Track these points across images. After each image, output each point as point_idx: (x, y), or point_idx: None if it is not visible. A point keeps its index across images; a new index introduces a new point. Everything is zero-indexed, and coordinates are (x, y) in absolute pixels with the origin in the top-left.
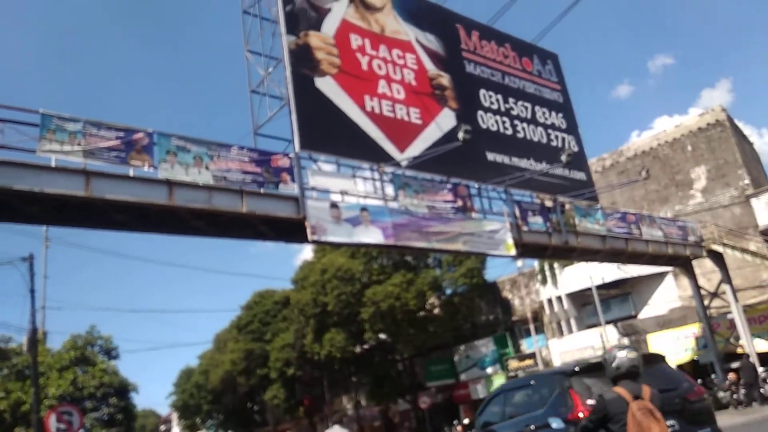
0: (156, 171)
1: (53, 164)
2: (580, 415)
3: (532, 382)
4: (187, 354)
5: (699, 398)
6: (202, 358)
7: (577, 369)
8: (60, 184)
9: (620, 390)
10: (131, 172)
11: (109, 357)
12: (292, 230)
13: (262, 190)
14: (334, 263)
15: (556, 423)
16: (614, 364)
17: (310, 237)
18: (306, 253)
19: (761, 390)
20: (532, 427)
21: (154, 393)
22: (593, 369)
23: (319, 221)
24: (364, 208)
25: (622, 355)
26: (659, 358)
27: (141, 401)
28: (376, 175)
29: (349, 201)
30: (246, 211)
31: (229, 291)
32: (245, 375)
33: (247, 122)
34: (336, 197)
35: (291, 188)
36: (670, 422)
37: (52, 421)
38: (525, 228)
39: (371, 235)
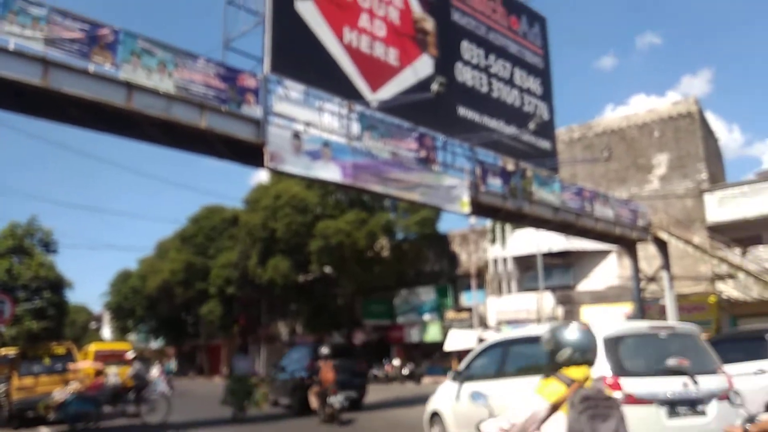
0: (117, 71)
1: (11, 47)
2: None
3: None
4: (127, 258)
5: None
6: (141, 263)
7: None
8: (16, 69)
9: None
10: (91, 68)
11: (48, 250)
12: (249, 153)
13: (223, 108)
14: (288, 191)
15: None
16: None
17: (266, 163)
18: (261, 175)
19: None
20: None
21: (88, 290)
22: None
23: (278, 149)
24: (326, 143)
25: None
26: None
27: (74, 297)
28: (344, 112)
29: (313, 133)
30: (204, 127)
31: (178, 202)
32: (183, 286)
33: (216, 35)
34: (299, 127)
35: (254, 110)
36: None
37: None
38: (483, 188)
39: (330, 172)
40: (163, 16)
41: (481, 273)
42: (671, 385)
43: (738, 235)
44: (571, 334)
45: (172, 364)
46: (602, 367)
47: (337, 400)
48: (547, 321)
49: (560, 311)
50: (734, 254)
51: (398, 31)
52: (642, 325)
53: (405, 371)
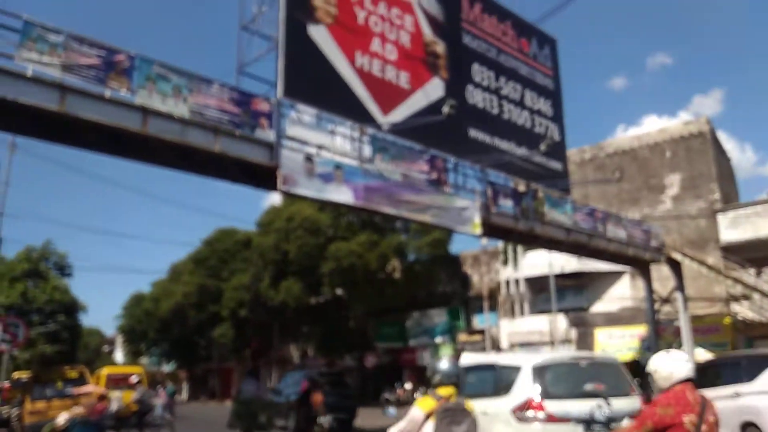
0: (133, 96)
1: (29, 74)
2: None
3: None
4: (141, 281)
5: None
6: (155, 286)
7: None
8: (34, 96)
9: None
10: (108, 94)
11: (62, 274)
12: (262, 176)
13: (237, 132)
14: (301, 213)
15: None
16: None
17: (279, 186)
18: (274, 198)
19: None
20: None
21: (101, 313)
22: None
23: (291, 172)
24: (338, 166)
25: None
26: None
27: (88, 320)
28: (356, 135)
29: (325, 156)
30: (218, 150)
31: (192, 225)
32: (196, 309)
33: (230, 61)
34: (312, 150)
35: (267, 134)
36: None
37: None
38: (494, 209)
39: (342, 194)
40: (178, 41)
41: (493, 294)
42: (586, 407)
43: (752, 255)
44: (442, 364)
45: (172, 387)
46: (530, 390)
47: (326, 420)
48: (561, 343)
49: (573, 333)
50: (749, 275)
51: (409, 55)
52: (565, 355)
53: (417, 395)
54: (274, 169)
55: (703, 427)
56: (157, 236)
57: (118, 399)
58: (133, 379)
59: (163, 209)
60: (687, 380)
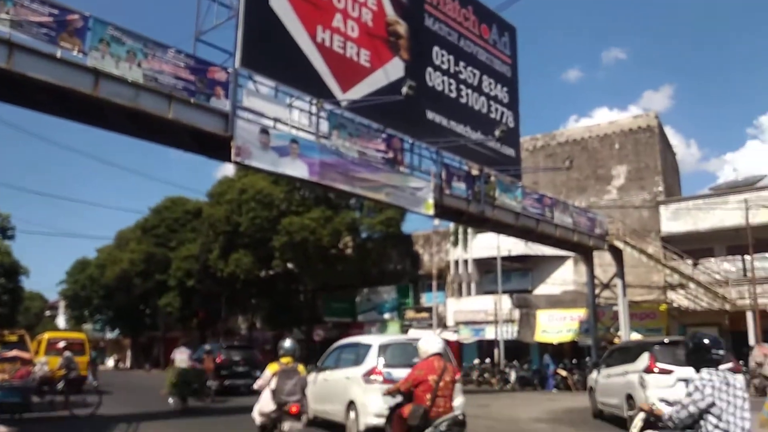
0: (85, 58)
1: None
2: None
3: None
4: (85, 247)
5: None
6: (100, 252)
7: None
8: None
9: None
10: (59, 54)
11: (4, 236)
12: (216, 146)
13: (192, 100)
14: (254, 185)
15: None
16: None
17: (233, 157)
18: (227, 169)
19: None
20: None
21: (44, 278)
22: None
23: (245, 143)
24: (294, 140)
25: None
26: None
27: (30, 284)
28: (314, 110)
29: (281, 129)
30: (172, 118)
31: (140, 192)
32: (143, 277)
33: (188, 28)
34: (268, 123)
35: (223, 104)
36: None
37: None
38: (447, 191)
39: (296, 169)
40: (134, 4)
41: (442, 274)
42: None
43: (690, 246)
44: (285, 343)
45: (94, 353)
46: (375, 362)
47: (213, 384)
48: (504, 323)
49: (517, 314)
50: (686, 265)
51: (371, 33)
52: (402, 338)
53: None
54: (229, 140)
55: (441, 384)
56: (104, 201)
57: (43, 364)
58: (60, 344)
59: (110, 174)
60: (436, 354)
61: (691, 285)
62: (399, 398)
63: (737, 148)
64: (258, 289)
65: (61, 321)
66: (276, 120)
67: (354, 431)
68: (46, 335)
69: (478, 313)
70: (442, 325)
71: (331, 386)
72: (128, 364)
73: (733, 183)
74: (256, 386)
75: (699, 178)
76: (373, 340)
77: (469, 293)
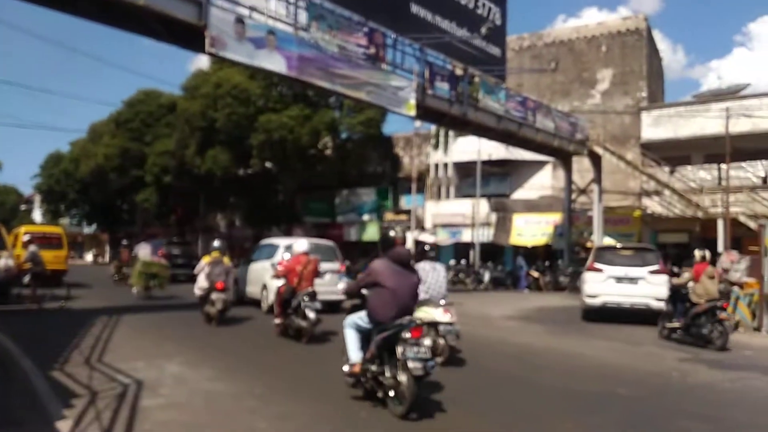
0: None
1: None
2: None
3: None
4: (59, 140)
5: None
6: (74, 146)
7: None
8: None
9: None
10: None
11: None
12: (189, 36)
13: None
14: (230, 79)
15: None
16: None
17: (207, 48)
18: (202, 61)
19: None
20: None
21: (18, 171)
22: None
23: (220, 33)
24: (271, 31)
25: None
26: None
27: (3, 177)
28: None
29: (257, 19)
30: (142, 4)
31: (113, 83)
32: (118, 172)
33: None
34: (243, 11)
35: None
36: None
37: None
38: (430, 91)
39: (274, 62)
40: None
41: (421, 177)
42: None
43: (669, 154)
44: (215, 243)
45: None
46: (281, 256)
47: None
48: (481, 226)
49: (494, 218)
50: (663, 172)
51: None
52: (304, 241)
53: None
54: (202, 29)
55: (304, 271)
56: (76, 93)
57: (7, 258)
58: (25, 237)
59: (83, 64)
60: (303, 252)
61: (666, 192)
62: (282, 281)
63: (724, 55)
64: (236, 188)
65: (37, 215)
66: (252, 9)
67: (265, 305)
68: (22, 229)
69: (456, 216)
70: (421, 227)
71: (254, 274)
72: (107, 258)
73: (717, 91)
74: (195, 271)
75: (684, 84)
76: (281, 242)
77: (447, 197)
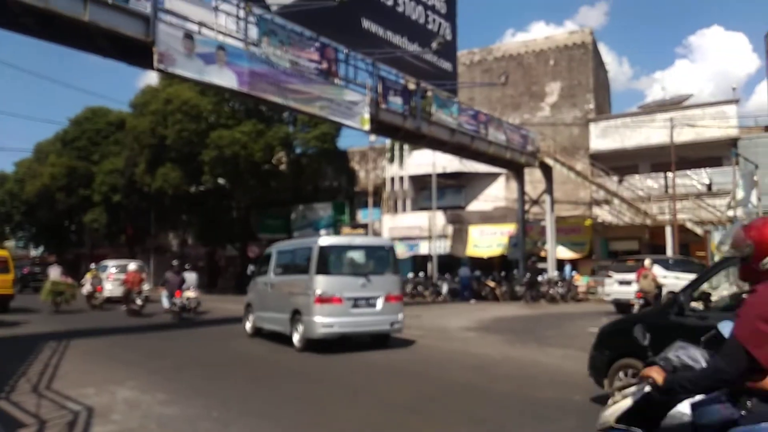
0: None
1: None
2: None
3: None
4: (2, 160)
5: None
6: (18, 166)
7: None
8: None
9: None
10: None
11: None
12: (137, 52)
13: (110, 1)
14: (180, 96)
15: None
16: None
17: (155, 64)
18: (150, 77)
19: (543, 290)
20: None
21: None
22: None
23: (169, 49)
24: (221, 47)
25: None
26: None
27: None
28: (242, 14)
29: (207, 35)
30: (88, 20)
31: (58, 101)
32: (65, 192)
33: None
34: (192, 27)
35: (143, 6)
36: None
37: None
38: (383, 105)
39: (224, 78)
40: None
41: (378, 191)
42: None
43: (617, 164)
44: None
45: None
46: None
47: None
48: (438, 238)
49: (450, 230)
50: (612, 182)
51: None
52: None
53: None
54: (150, 45)
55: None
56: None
57: None
58: None
59: (26, 81)
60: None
61: (616, 201)
62: None
63: (667, 67)
64: (188, 205)
65: None
66: (201, 24)
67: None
68: None
69: (413, 229)
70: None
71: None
72: None
73: (661, 102)
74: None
75: (629, 96)
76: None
77: (404, 210)
